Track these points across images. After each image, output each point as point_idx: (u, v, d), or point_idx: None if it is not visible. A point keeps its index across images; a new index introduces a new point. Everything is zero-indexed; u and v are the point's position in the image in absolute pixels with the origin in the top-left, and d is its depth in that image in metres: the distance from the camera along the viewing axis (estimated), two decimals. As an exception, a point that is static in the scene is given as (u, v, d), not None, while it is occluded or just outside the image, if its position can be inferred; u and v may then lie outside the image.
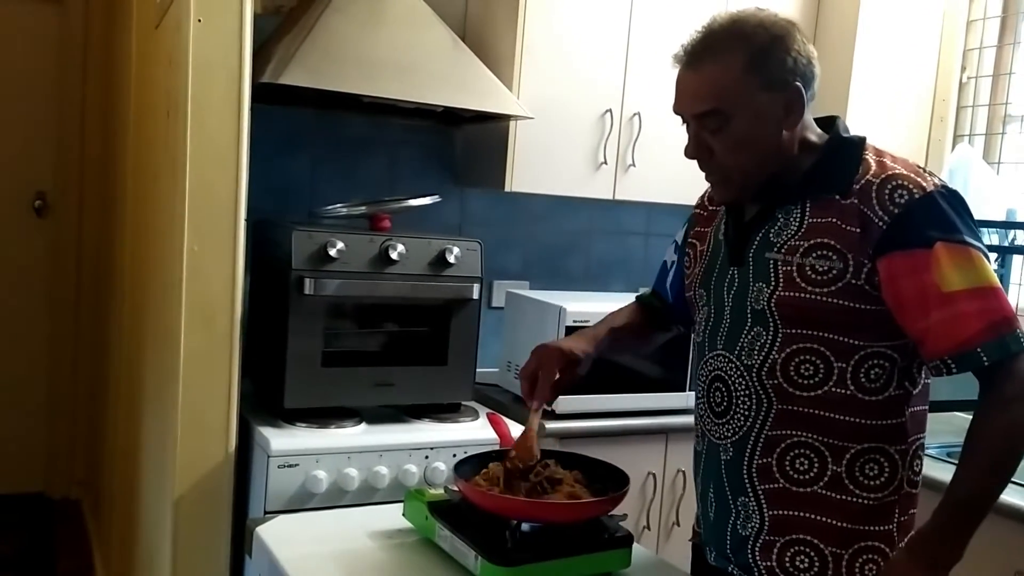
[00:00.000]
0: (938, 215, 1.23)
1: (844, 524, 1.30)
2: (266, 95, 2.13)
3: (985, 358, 1.18)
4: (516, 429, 1.81)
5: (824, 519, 1.31)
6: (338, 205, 2.32)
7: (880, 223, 1.23)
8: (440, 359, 2.31)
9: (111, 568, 3.03)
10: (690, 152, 1.34)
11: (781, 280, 1.30)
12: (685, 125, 1.35)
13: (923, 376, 1.33)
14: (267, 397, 2.22)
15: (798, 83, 1.28)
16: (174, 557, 1.96)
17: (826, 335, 1.28)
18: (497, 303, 2.85)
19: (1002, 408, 1.19)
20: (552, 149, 2.60)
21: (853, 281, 1.25)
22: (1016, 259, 2.86)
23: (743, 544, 1.36)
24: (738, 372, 1.34)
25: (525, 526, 1.37)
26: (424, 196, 2.40)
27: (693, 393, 1.49)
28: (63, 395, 3.89)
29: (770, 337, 1.31)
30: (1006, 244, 2.84)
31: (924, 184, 1.24)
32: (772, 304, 1.30)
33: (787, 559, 1.32)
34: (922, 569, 1.19)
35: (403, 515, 1.51)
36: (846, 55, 2.90)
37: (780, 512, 1.32)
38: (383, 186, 2.68)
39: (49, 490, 3.94)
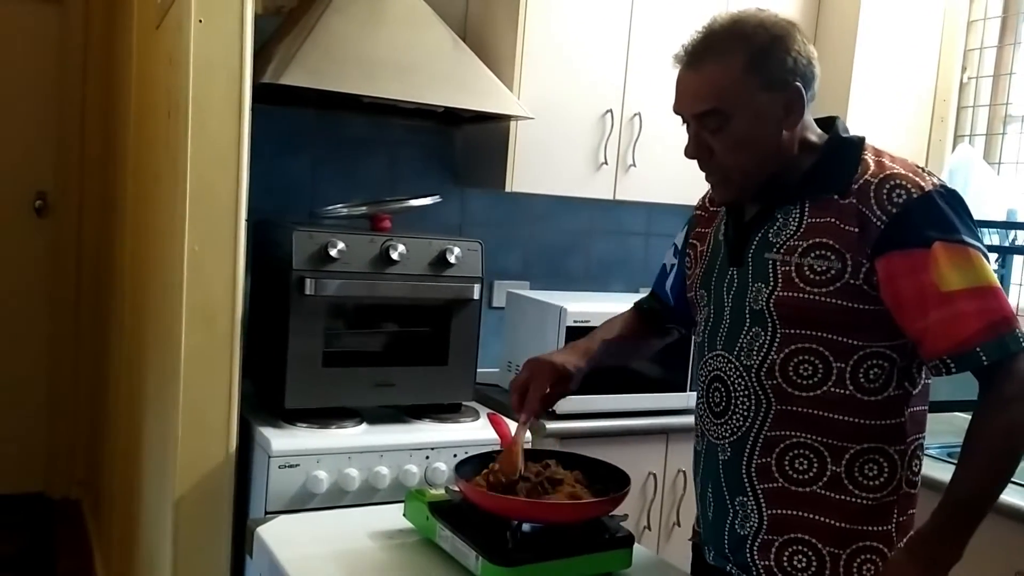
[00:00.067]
0: (936, 215, 1.23)
1: (842, 524, 1.30)
2: (267, 95, 2.13)
3: (984, 358, 1.18)
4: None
5: (822, 519, 1.31)
6: (339, 205, 2.32)
7: (878, 223, 1.23)
8: (441, 359, 2.31)
9: (111, 568, 3.03)
10: (690, 152, 1.34)
11: (780, 280, 1.30)
12: (685, 125, 1.35)
13: (923, 376, 1.33)
14: (268, 397, 2.22)
15: (798, 83, 1.28)
16: (175, 557, 1.97)
17: (825, 335, 1.28)
18: (498, 303, 2.85)
19: (1001, 408, 1.19)
20: (553, 149, 2.60)
21: (851, 281, 1.25)
22: (1017, 259, 2.86)
23: (741, 544, 1.36)
24: (737, 372, 1.34)
25: (526, 526, 1.37)
26: (425, 196, 2.40)
27: (693, 393, 1.49)
28: (63, 395, 3.89)
29: (769, 337, 1.31)
30: (1007, 244, 2.84)
31: (923, 184, 1.24)
32: (771, 304, 1.30)
33: (785, 558, 1.32)
34: (921, 569, 1.18)
35: (404, 515, 1.51)
36: (847, 55, 2.90)
37: (779, 511, 1.32)
38: (384, 186, 2.68)
39: (49, 490, 3.94)
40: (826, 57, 2.87)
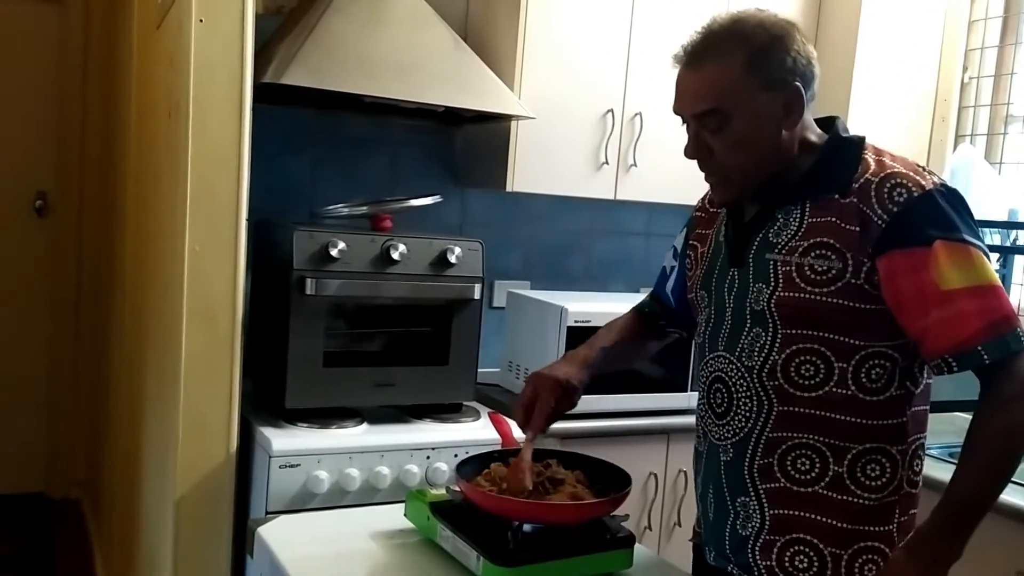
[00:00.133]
0: (937, 214, 1.22)
1: (844, 524, 1.30)
2: (267, 95, 2.13)
3: (986, 357, 1.18)
4: (517, 429, 1.81)
5: (824, 519, 1.30)
6: (339, 205, 2.32)
7: (879, 222, 1.23)
8: (441, 359, 2.31)
9: (111, 568, 3.03)
10: (690, 152, 1.34)
11: (780, 280, 1.30)
12: (685, 125, 1.35)
13: (924, 376, 1.33)
14: (268, 397, 2.22)
15: (798, 83, 1.28)
16: (175, 557, 1.96)
17: (826, 335, 1.27)
18: (498, 303, 2.85)
19: (1001, 408, 1.19)
20: (553, 149, 2.60)
21: (853, 281, 1.25)
22: (1018, 259, 2.86)
23: (743, 544, 1.35)
24: (739, 373, 1.34)
25: (527, 527, 1.37)
26: (425, 196, 2.40)
27: (694, 393, 1.49)
28: (63, 395, 3.89)
29: (770, 338, 1.30)
30: (1008, 244, 2.84)
31: (923, 183, 1.24)
32: (772, 305, 1.30)
33: (787, 559, 1.32)
34: (921, 568, 1.18)
35: (404, 515, 1.51)
36: (848, 55, 2.90)
37: (780, 512, 1.32)
38: (384, 186, 2.68)
39: (49, 490, 3.94)
40: (827, 57, 2.88)
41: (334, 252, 2.10)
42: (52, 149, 3.82)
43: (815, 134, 1.35)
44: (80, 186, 3.82)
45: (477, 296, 2.30)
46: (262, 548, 1.45)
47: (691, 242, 1.54)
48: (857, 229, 1.25)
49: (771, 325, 1.30)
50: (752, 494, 1.34)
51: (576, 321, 2.39)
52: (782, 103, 1.28)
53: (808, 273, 1.27)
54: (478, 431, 2.23)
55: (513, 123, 2.53)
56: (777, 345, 1.30)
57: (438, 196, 2.42)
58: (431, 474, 2.13)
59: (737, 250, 1.37)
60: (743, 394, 1.34)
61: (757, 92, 1.26)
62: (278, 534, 1.48)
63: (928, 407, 1.36)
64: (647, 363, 2.52)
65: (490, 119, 2.53)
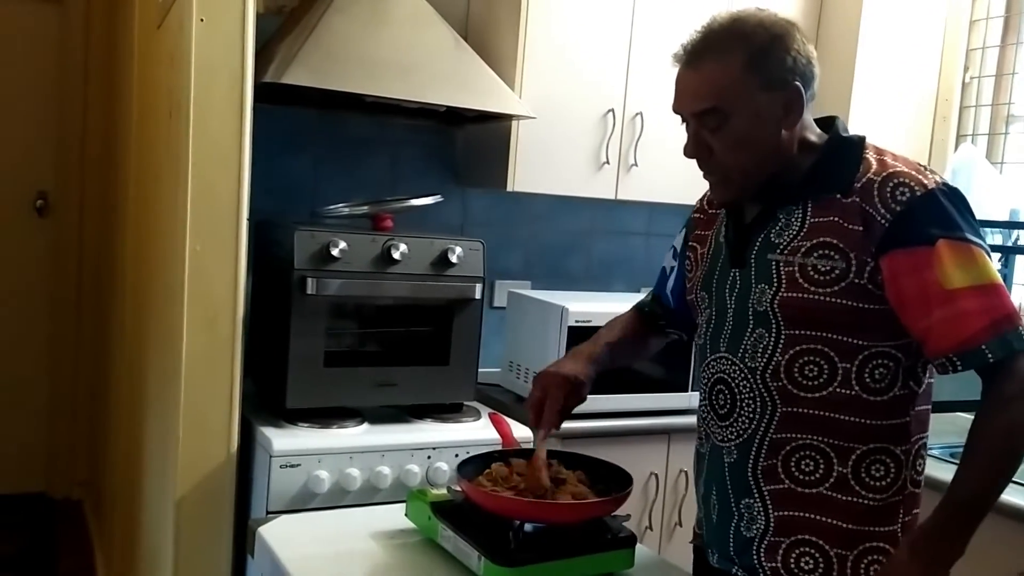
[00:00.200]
0: (940, 213, 1.22)
1: (849, 525, 1.30)
2: (268, 95, 2.13)
3: (990, 356, 1.18)
4: (518, 429, 1.81)
5: (829, 520, 1.30)
6: (340, 205, 2.32)
7: (883, 221, 1.23)
8: (442, 359, 2.31)
9: (112, 568, 3.03)
10: (689, 151, 1.34)
11: (783, 281, 1.30)
12: (684, 124, 1.34)
13: (927, 375, 1.32)
14: (269, 397, 2.22)
15: (797, 83, 1.27)
16: (176, 557, 1.96)
17: (830, 335, 1.27)
18: (499, 303, 2.85)
19: (1002, 407, 1.19)
20: (554, 149, 2.59)
21: (856, 280, 1.25)
22: (1019, 259, 2.85)
23: (747, 546, 1.35)
24: (742, 375, 1.34)
25: (528, 526, 1.36)
26: (426, 196, 2.40)
27: (695, 394, 1.48)
28: (64, 395, 3.89)
29: (773, 339, 1.30)
30: (1009, 244, 2.84)
31: (925, 182, 1.24)
32: (775, 305, 1.30)
33: (792, 560, 1.32)
34: (923, 566, 1.18)
35: (405, 515, 1.51)
36: (849, 55, 2.90)
37: (785, 513, 1.32)
38: (385, 186, 2.68)
39: (50, 490, 3.94)
40: (828, 57, 2.89)
41: (335, 252, 2.10)
42: (53, 149, 3.82)
43: (815, 134, 1.35)
44: (81, 186, 3.82)
45: (478, 296, 2.30)
46: (263, 548, 1.45)
47: (690, 243, 1.54)
48: (860, 229, 1.24)
49: (774, 326, 1.30)
50: (756, 496, 1.33)
51: (577, 321, 2.38)
52: (782, 103, 1.28)
53: (811, 273, 1.27)
54: (479, 431, 2.23)
55: (514, 123, 2.53)
56: (781, 346, 1.29)
57: (439, 196, 2.42)
58: (432, 474, 2.13)
59: (738, 251, 1.37)
60: (746, 395, 1.33)
61: (757, 91, 1.26)
62: (279, 534, 1.48)
63: (930, 407, 1.36)
64: (648, 363, 2.52)
65: (491, 119, 2.53)
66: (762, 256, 1.33)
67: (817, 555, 1.31)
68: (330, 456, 2.03)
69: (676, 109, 1.34)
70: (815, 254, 1.27)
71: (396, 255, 2.17)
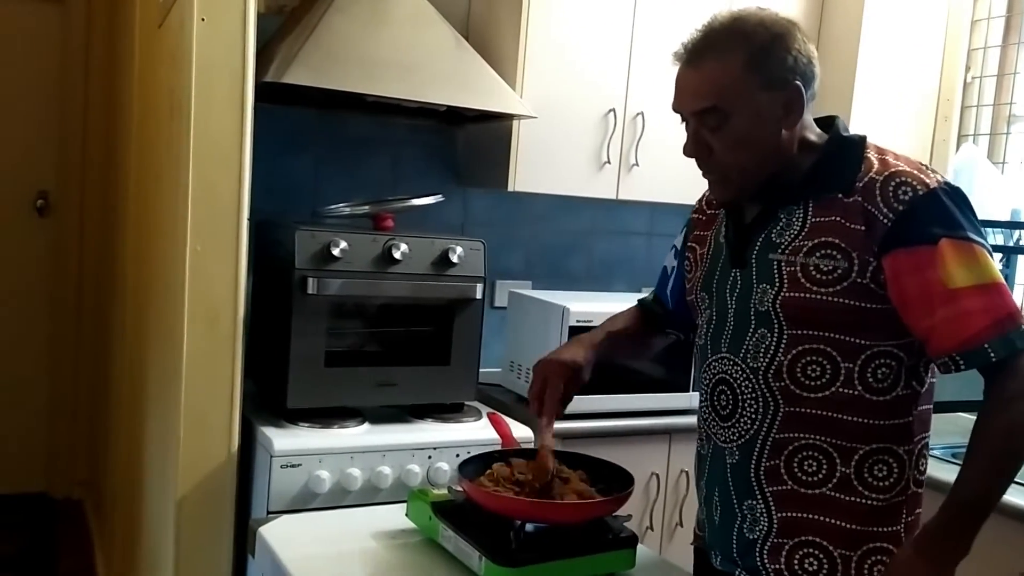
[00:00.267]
0: (942, 212, 1.22)
1: (853, 525, 1.30)
2: (269, 94, 2.13)
3: (993, 355, 1.18)
4: (517, 429, 1.81)
5: (833, 521, 1.30)
6: (341, 205, 2.32)
7: (885, 220, 1.23)
8: (443, 359, 2.31)
9: (113, 568, 3.03)
10: (689, 150, 1.34)
11: (785, 281, 1.29)
12: (684, 123, 1.34)
13: (930, 375, 1.32)
14: (270, 397, 2.22)
15: (798, 82, 1.27)
16: (176, 557, 1.96)
17: (832, 335, 1.27)
18: (500, 303, 2.85)
19: (1004, 407, 1.19)
20: (555, 149, 2.59)
21: (858, 280, 1.24)
22: (1021, 259, 2.85)
23: (751, 547, 1.35)
24: (744, 375, 1.34)
25: (529, 526, 1.36)
26: (427, 196, 2.39)
27: (696, 394, 1.48)
28: (65, 395, 3.89)
29: (775, 339, 1.30)
30: (1011, 244, 2.83)
31: (927, 181, 1.24)
32: (777, 305, 1.29)
33: (796, 561, 1.31)
34: (928, 564, 1.18)
35: (406, 515, 1.51)
36: (850, 55, 2.90)
37: (788, 514, 1.31)
38: (386, 186, 2.68)
39: (51, 490, 3.94)
40: (830, 56, 2.89)
41: (336, 252, 2.10)
42: (53, 149, 3.82)
43: (815, 134, 1.35)
44: (81, 186, 3.82)
45: (479, 296, 2.30)
46: (264, 548, 1.45)
47: (689, 244, 1.53)
48: (862, 228, 1.24)
49: (776, 326, 1.30)
50: (759, 497, 1.33)
51: (578, 321, 2.38)
52: (782, 102, 1.27)
53: (813, 273, 1.27)
54: (480, 431, 2.23)
55: (515, 122, 2.53)
56: (783, 346, 1.29)
57: (440, 196, 2.42)
58: (433, 474, 2.12)
59: (738, 251, 1.37)
60: (748, 396, 1.33)
61: (757, 91, 1.26)
62: (279, 534, 1.47)
63: (932, 407, 1.35)
64: (649, 363, 2.52)
65: (492, 118, 2.53)
66: (763, 256, 1.33)
67: (821, 556, 1.30)
68: (331, 456, 2.03)
69: (676, 108, 1.34)
70: (817, 254, 1.27)
71: (397, 255, 2.17)
